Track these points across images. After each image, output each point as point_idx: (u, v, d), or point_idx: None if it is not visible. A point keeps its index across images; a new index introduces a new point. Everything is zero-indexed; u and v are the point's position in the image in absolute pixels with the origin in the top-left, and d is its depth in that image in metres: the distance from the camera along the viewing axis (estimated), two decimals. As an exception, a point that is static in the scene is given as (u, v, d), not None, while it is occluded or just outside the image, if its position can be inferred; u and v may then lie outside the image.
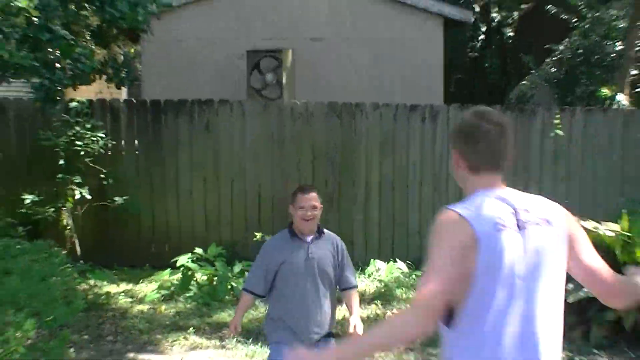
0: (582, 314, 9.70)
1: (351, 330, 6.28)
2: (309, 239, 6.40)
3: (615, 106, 15.46)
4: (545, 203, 3.69)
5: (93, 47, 9.90)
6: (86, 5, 9.03)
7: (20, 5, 6.42)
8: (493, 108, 12.43)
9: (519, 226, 3.43)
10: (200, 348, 9.47)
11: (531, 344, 3.42)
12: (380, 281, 12.03)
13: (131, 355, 9.21)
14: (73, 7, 8.88)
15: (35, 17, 7.77)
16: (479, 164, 3.60)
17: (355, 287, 6.74)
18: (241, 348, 9.32)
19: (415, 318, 3.30)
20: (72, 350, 8.77)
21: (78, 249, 12.42)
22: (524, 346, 3.40)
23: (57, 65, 8.88)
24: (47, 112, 11.57)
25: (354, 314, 6.45)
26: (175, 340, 9.65)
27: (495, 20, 18.93)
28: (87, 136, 12.12)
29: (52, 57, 8.94)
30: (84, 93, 12.83)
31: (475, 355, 3.42)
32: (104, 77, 9.98)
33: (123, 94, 18.31)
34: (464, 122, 3.75)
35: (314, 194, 6.37)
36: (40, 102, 9.19)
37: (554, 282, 3.53)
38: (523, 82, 21.19)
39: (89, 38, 9.90)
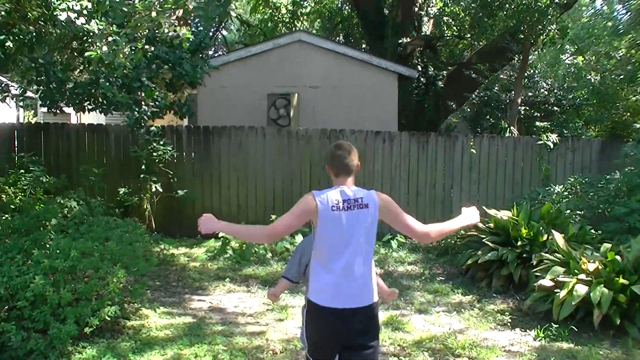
0: (487, 270, 9.67)
1: None
2: None
3: (508, 134, 15.43)
4: (367, 194, 4.23)
5: (166, 92, 9.95)
6: (163, 66, 9.13)
7: (119, 61, 6.37)
8: (429, 135, 12.57)
9: (345, 208, 4.10)
10: (234, 292, 9.37)
11: (350, 272, 4.12)
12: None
13: (187, 295, 9.12)
14: (154, 67, 8.98)
15: (129, 71, 7.88)
16: (337, 172, 4.30)
17: None
18: (261, 292, 9.24)
19: (265, 233, 4.16)
20: (148, 291, 8.65)
21: (153, 224, 12.45)
22: (346, 272, 4.12)
23: (143, 103, 8.97)
24: (135, 133, 12.00)
25: None
26: (217, 287, 9.56)
27: (432, 77, 18.84)
28: (160, 149, 12.30)
29: (139, 98, 9.05)
30: (160, 122, 12.93)
31: (318, 275, 4.20)
32: (173, 112, 10.04)
33: (185, 122, 18.31)
34: (329, 150, 4.42)
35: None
36: (131, 127, 9.28)
37: (363, 240, 4.15)
38: (449, 118, 21.27)
39: (164, 87, 9.95)
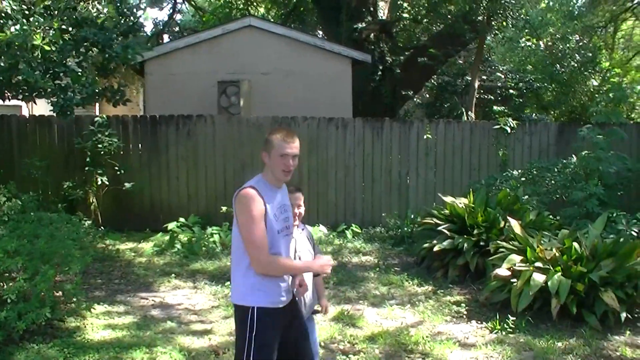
0: (442, 259, 9.36)
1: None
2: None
3: (465, 119, 15.17)
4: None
5: (95, 77, 9.40)
6: (92, 48, 8.60)
7: (35, 43, 5.85)
8: (384, 121, 12.23)
9: None
10: (179, 288, 8.92)
11: None
12: (307, 239, 11.54)
13: (130, 293, 8.65)
14: (82, 49, 8.43)
15: (55, 55, 7.37)
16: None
17: None
18: (208, 289, 8.81)
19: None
20: (85, 290, 8.13)
21: (100, 219, 11.89)
22: None
23: (70, 89, 8.43)
24: (62, 122, 11.65)
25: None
26: (162, 283, 9.09)
27: (388, 62, 18.48)
28: (106, 141, 11.82)
29: (65, 84, 8.50)
30: (116, 111, 12.60)
31: None
32: (104, 98, 9.49)
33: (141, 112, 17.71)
34: (268, 137, 4.03)
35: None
36: (57, 115, 8.70)
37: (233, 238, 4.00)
38: (407, 105, 20.98)
39: (95, 72, 9.40)
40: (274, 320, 3.92)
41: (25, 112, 21.50)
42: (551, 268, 7.43)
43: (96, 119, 12.12)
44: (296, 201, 4.69)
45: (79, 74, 8.28)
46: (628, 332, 7.01)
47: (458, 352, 6.53)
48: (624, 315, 7.02)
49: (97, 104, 24.73)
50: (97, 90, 8.62)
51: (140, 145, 12.60)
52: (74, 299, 7.08)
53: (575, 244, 7.71)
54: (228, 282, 8.79)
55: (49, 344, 6.47)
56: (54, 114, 8.76)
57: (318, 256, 4.28)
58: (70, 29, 7.63)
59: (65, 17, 6.80)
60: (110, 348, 6.46)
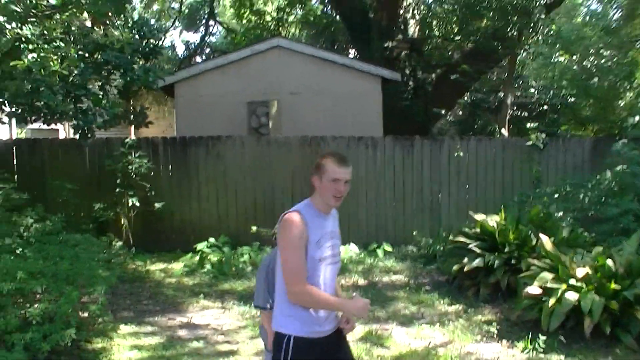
0: (474, 278, 9.19)
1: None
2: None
3: (498, 136, 15.00)
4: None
5: (115, 100, 9.47)
6: (113, 71, 8.68)
7: (53, 68, 5.90)
8: (414, 139, 12.12)
9: None
10: (208, 309, 8.88)
11: None
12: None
13: (159, 313, 8.62)
14: (104, 72, 8.52)
15: (75, 78, 7.45)
16: None
17: None
18: (236, 309, 8.75)
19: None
20: (111, 312, 8.12)
21: (131, 240, 11.93)
22: None
23: (90, 112, 8.49)
24: (83, 145, 11.69)
25: None
26: (190, 303, 9.06)
27: (420, 80, 18.39)
28: (136, 162, 11.88)
29: (86, 107, 8.58)
30: (147, 132, 12.65)
31: None
32: (126, 121, 9.54)
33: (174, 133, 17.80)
34: (320, 162, 3.86)
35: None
36: (79, 137, 8.77)
37: None
38: (440, 123, 20.85)
39: (116, 94, 9.48)
40: (311, 350, 3.77)
41: (62, 135, 21.92)
42: (584, 286, 7.24)
43: (126, 140, 12.19)
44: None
45: (100, 96, 8.35)
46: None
47: (487, 373, 6.38)
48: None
49: (133, 127, 25.15)
50: (118, 113, 8.68)
51: (170, 166, 12.65)
52: (100, 320, 7.09)
53: (609, 261, 7.51)
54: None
55: (74, 365, 6.48)
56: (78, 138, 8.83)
57: (356, 298, 3.91)
58: (86, 54, 7.70)
59: (86, 42, 6.85)
60: (135, 370, 6.45)
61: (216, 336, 7.65)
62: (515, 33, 15.46)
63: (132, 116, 8.98)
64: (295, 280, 3.64)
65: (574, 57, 18.64)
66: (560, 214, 10.09)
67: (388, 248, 11.99)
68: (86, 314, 7.06)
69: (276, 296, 3.89)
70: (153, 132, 13.17)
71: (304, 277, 3.66)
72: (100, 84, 8.72)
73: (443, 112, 19.47)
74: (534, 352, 6.83)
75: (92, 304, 7.19)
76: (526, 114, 18.85)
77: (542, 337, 6.92)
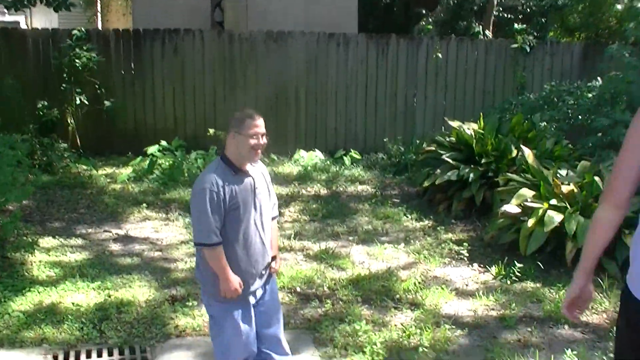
0: (446, 192, 8.32)
1: (275, 266, 3.88)
2: (249, 170, 3.65)
3: (481, 37, 13.93)
4: None
5: None
6: None
7: None
8: (390, 37, 11.03)
9: None
10: (149, 219, 7.97)
11: None
12: (302, 166, 10.54)
13: (94, 224, 7.72)
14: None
15: None
16: None
17: (277, 216, 4.01)
18: (181, 220, 7.86)
19: None
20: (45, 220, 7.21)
21: (79, 142, 10.89)
22: None
23: None
24: (37, 36, 10.72)
25: (275, 249, 3.90)
26: (131, 213, 8.14)
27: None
28: (84, 56, 10.69)
29: None
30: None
31: None
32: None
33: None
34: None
35: (262, 120, 3.61)
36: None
37: None
38: (421, 23, 19.69)
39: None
40: None
41: (24, 26, 20.50)
42: (568, 206, 6.38)
43: (74, 32, 10.97)
44: (261, 129, 3.59)
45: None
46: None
47: (454, 304, 5.56)
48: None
49: (100, 19, 23.57)
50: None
51: (122, 61, 11.43)
52: (15, 233, 6.18)
53: (596, 179, 6.64)
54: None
55: (-15, 283, 5.60)
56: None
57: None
58: None
59: None
60: (52, 289, 5.57)
61: (152, 252, 6.78)
62: None
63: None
64: None
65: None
66: (544, 123, 9.16)
67: (356, 155, 11.07)
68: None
69: None
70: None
71: None
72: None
73: (425, 12, 18.24)
74: (508, 279, 6.02)
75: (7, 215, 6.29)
76: (512, 17, 17.64)
77: (519, 265, 6.07)
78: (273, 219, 3.89)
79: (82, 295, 5.49)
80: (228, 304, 3.60)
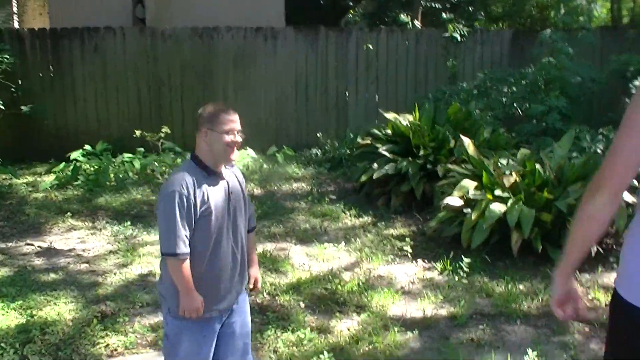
0: (384, 186, 8.07)
1: (251, 285, 3.45)
2: (223, 173, 3.20)
3: (411, 27, 13.78)
4: None
5: None
6: None
7: None
8: (319, 30, 10.74)
9: None
10: (75, 229, 7.47)
11: None
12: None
13: (15, 237, 7.20)
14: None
15: None
16: None
17: (254, 228, 3.56)
18: (108, 229, 7.39)
19: None
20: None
21: (-5, 149, 10.23)
22: None
23: None
24: None
25: (255, 266, 3.51)
26: (55, 224, 7.63)
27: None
28: (-4, 57, 10.04)
29: None
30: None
31: None
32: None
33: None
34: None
35: (237, 114, 3.17)
36: None
37: None
38: (348, 15, 19.55)
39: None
40: None
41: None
42: (511, 196, 6.21)
43: (-15, 31, 10.36)
44: (237, 124, 3.16)
45: None
46: (600, 269, 5.90)
47: (401, 304, 5.31)
48: (594, 249, 5.84)
49: (16, 19, 22.59)
50: None
51: (39, 62, 10.87)
52: None
53: (538, 166, 6.50)
54: (130, 222, 7.46)
55: None
56: None
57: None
58: None
59: None
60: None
61: (79, 265, 6.32)
62: None
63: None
64: None
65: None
66: (479, 112, 9.03)
67: (289, 152, 10.75)
68: None
69: None
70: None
71: None
72: None
73: (351, 4, 18.07)
74: (455, 274, 5.81)
75: None
76: (440, 6, 17.59)
77: (466, 259, 5.86)
78: (250, 231, 3.45)
79: (2, 317, 5.02)
80: (186, 323, 3.13)
